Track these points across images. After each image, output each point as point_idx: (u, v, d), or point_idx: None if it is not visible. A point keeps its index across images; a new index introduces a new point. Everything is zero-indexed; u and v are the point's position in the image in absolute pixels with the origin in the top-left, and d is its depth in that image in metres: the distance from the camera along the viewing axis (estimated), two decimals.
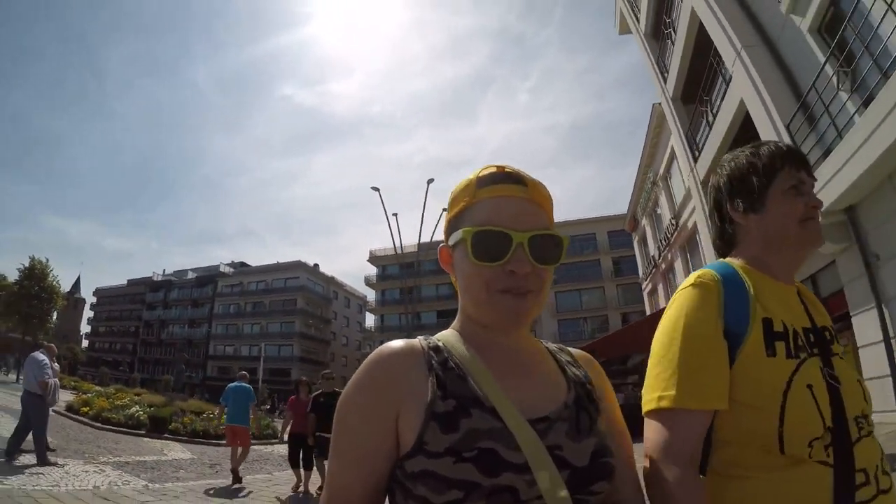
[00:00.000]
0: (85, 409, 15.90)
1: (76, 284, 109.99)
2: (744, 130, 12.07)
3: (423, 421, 0.85)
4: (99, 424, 14.72)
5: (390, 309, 61.42)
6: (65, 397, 22.52)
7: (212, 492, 8.00)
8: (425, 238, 31.17)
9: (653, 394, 1.16)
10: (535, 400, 0.92)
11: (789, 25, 10.50)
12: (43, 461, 8.12)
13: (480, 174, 1.01)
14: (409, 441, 0.85)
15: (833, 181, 8.42)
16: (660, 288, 25.27)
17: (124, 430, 14.33)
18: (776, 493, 1.06)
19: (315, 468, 8.76)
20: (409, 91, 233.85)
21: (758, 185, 1.33)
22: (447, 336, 1.02)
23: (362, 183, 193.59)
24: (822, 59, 9.02)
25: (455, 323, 1.06)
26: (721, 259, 1.39)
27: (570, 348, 1.16)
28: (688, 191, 17.46)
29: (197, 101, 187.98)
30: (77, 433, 12.60)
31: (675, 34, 16.08)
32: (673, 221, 20.51)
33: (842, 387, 1.14)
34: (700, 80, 14.68)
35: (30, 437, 8.36)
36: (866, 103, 7.76)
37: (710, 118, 14.14)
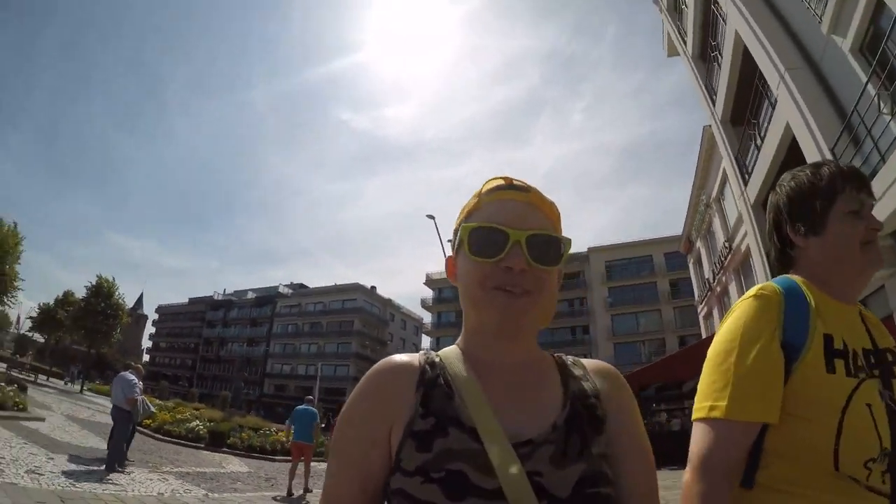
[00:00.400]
0: (148, 422, 16.66)
1: (139, 301, 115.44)
2: (791, 154, 11.84)
3: (401, 438, 0.86)
4: (160, 436, 15.64)
5: (446, 331, 61.71)
6: (106, 403, 23.77)
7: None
8: None
9: (704, 402, 1.16)
10: (522, 421, 0.89)
11: (831, 46, 10.35)
12: (111, 469, 8.75)
13: (487, 185, 1.03)
14: (394, 457, 0.86)
15: (878, 206, 8.26)
16: (715, 311, 24.71)
17: (184, 442, 15.14)
18: None
19: None
20: (463, 115, 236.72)
21: (818, 208, 1.32)
22: (448, 351, 1.01)
23: (416, 205, 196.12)
24: (864, 80, 8.85)
25: (459, 338, 1.05)
26: (783, 275, 1.38)
27: (586, 360, 1.09)
28: (740, 214, 17.25)
29: (254, 123, 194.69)
30: (140, 444, 13.31)
31: (721, 56, 15.98)
32: (726, 244, 20.16)
33: None
34: (747, 102, 14.55)
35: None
36: None
37: (759, 141, 13.94)
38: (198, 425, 16.47)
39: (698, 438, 1.13)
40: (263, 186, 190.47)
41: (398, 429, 0.87)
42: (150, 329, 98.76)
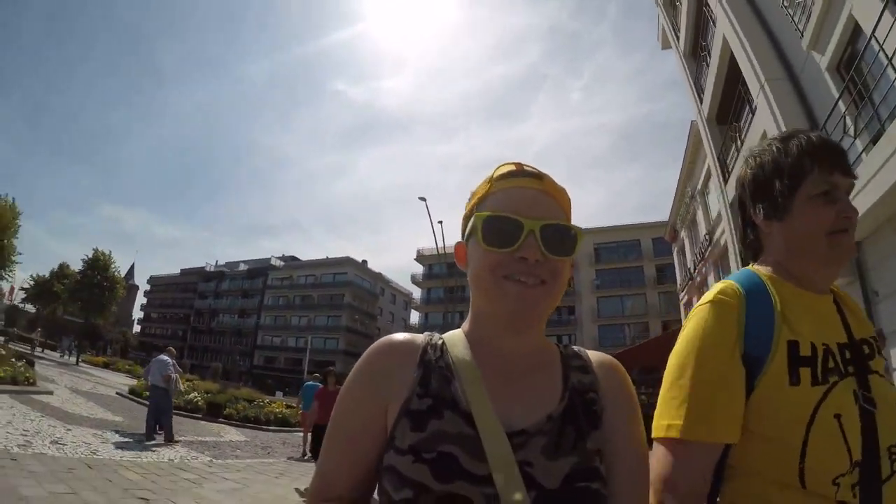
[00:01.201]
0: (147, 394, 17.36)
1: (130, 271, 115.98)
2: None
3: (397, 415, 0.86)
4: None
5: (435, 307, 62.33)
6: (121, 380, 24.39)
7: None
8: None
9: (662, 420, 1.10)
10: (518, 411, 0.88)
11: (810, 61, 10.87)
12: (170, 438, 10.36)
13: (498, 171, 1.00)
14: (388, 434, 0.86)
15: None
16: (694, 300, 25.52)
17: (184, 413, 15.73)
18: None
19: None
20: (459, 90, 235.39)
21: (781, 190, 1.21)
22: (452, 335, 1.00)
23: (409, 179, 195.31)
24: (836, 97, 9.40)
25: (465, 323, 1.04)
26: (748, 267, 1.30)
27: (591, 352, 1.06)
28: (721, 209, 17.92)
29: (250, 95, 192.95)
30: (141, 414, 14.07)
31: (710, 57, 16.46)
32: (707, 237, 20.87)
33: (878, 411, 1.03)
34: (732, 103, 15.13)
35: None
36: (874, 140, 8.13)
37: (739, 143, 14.56)
38: (196, 397, 17.15)
39: (659, 460, 1.07)
40: (257, 157, 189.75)
41: (395, 406, 0.87)
42: (141, 300, 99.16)
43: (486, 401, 0.86)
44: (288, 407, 19.31)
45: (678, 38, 20.65)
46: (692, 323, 1.15)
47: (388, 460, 0.83)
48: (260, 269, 79.48)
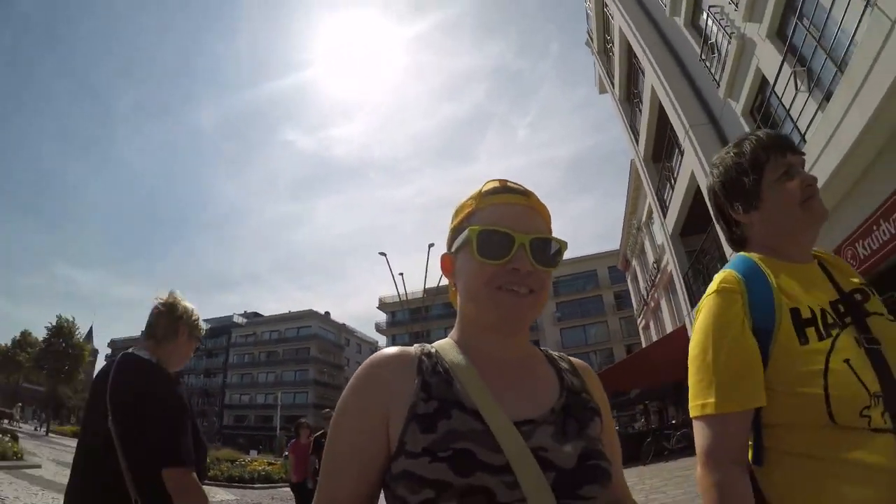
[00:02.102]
0: None
1: (89, 334, 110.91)
2: (697, 199, 13.91)
3: (404, 422, 0.86)
4: None
5: None
6: None
7: None
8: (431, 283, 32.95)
9: (696, 400, 1.19)
10: (521, 403, 0.92)
11: (728, 107, 12.36)
12: None
13: (485, 187, 1.05)
14: (395, 443, 0.86)
15: None
16: (651, 324, 26.84)
17: None
18: (844, 465, 1.07)
19: None
20: (410, 133, 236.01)
21: (750, 184, 1.35)
22: (442, 343, 1.03)
23: (366, 224, 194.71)
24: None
25: (452, 332, 1.06)
26: (740, 253, 1.41)
27: (571, 357, 1.15)
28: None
29: (201, 146, 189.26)
30: None
31: (642, 104, 18.03)
32: (655, 265, 22.19)
33: (884, 345, 1.14)
34: (664, 144, 16.56)
35: None
36: None
37: (673, 181, 16.00)
38: None
39: (700, 435, 1.17)
40: (213, 210, 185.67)
41: (399, 414, 0.88)
42: (101, 363, 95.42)
43: (489, 396, 0.89)
44: (269, 464, 19.60)
45: (613, 84, 22.31)
46: (703, 314, 1.26)
47: (400, 466, 0.84)
48: (222, 327, 78.10)
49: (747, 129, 11.13)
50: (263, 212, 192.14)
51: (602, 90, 25.34)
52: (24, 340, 43.69)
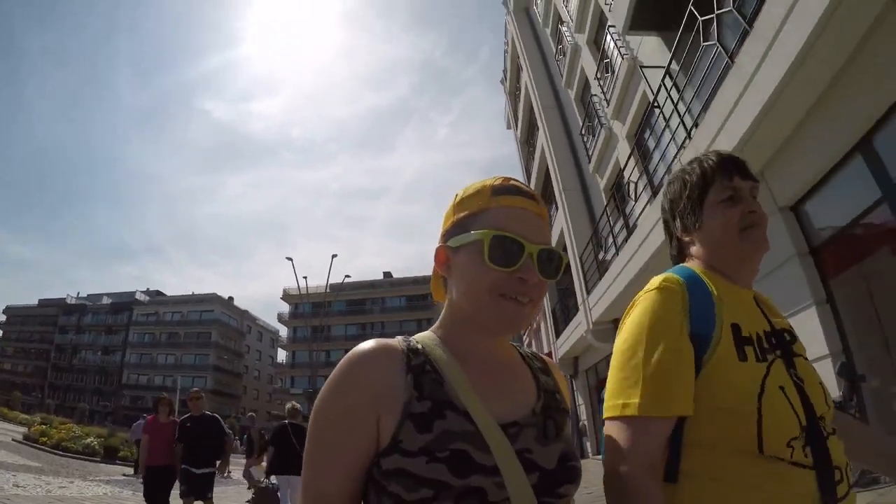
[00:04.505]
0: (44, 440, 18.40)
1: None
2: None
3: (399, 419, 0.86)
4: (61, 452, 17.25)
5: (301, 346, 63.10)
6: (9, 427, 23.97)
7: None
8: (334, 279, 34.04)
9: (616, 399, 1.13)
10: (506, 405, 0.94)
11: (595, 181, 14.89)
12: None
13: (495, 183, 1.02)
14: (386, 439, 0.86)
15: (603, 299, 12.51)
16: (534, 343, 29.31)
17: (82, 457, 16.91)
18: (762, 496, 1.04)
19: None
20: (331, 117, 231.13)
21: (693, 203, 1.33)
22: (426, 339, 1.01)
23: (276, 206, 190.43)
24: (605, 210, 12.80)
25: (436, 327, 1.06)
26: (681, 264, 1.37)
27: (540, 354, 1.17)
28: None
29: (115, 103, 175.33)
30: (50, 459, 15.44)
31: (535, 153, 20.46)
32: None
33: (806, 385, 1.15)
34: (549, 192, 18.98)
35: None
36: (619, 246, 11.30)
37: (551, 228, 18.44)
38: (92, 441, 18.24)
39: (615, 437, 1.10)
40: (117, 172, 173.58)
41: (393, 411, 0.87)
42: None
43: (476, 399, 0.90)
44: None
45: (517, 125, 24.81)
46: (639, 308, 1.19)
47: (394, 464, 0.83)
48: (124, 304, 75.66)
49: (604, 201, 13.54)
50: (170, 181, 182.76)
51: (509, 126, 27.89)
52: None
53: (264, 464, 8.77)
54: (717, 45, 6.68)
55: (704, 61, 7.25)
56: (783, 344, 1.21)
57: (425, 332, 1.05)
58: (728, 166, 1.32)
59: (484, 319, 0.96)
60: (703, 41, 6.99)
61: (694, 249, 1.36)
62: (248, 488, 12.26)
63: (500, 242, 0.93)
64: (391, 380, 0.90)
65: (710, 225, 1.30)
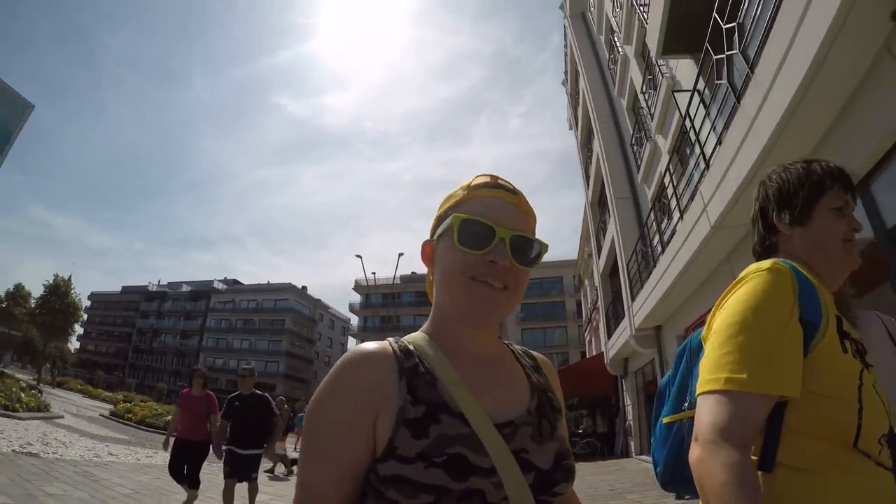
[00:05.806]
0: (129, 416, 20.69)
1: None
2: (612, 256, 16.78)
3: (394, 426, 0.85)
4: (145, 427, 19.50)
5: (370, 335, 63.62)
6: (76, 399, 26.34)
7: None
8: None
9: (718, 374, 1.08)
10: (501, 405, 0.94)
11: (643, 190, 15.36)
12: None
13: (476, 180, 1.04)
14: (382, 445, 0.85)
15: (644, 306, 12.99)
16: (593, 340, 29.98)
17: (164, 432, 18.49)
18: (854, 491, 1.03)
19: (201, 489, 7.12)
20: (403, 109, 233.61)
21: (806, 199, 1.32)
22: (417, 339, 1.01)
23: (351, 197, 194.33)
24: (655, 226, 13.05)
25: (426, 325, 1.06)
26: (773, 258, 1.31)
27: (532, 351, 1.17)
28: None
29: (190, 101, 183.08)
30: (136, 433, 17.40)
31: (592, 158, 20.88)
32: (595, 291, 25.14)
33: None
34: (605, 199, 19.37)
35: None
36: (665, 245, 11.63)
37: (603, 235, 19.04)
38: (171, 418, 19.99)
39: (712, 410, 1.06)
40: (194, 167, 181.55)
41: (387, 417, 0.86)
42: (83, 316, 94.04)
43: (471, 399, 0.89)
44: None
45: (577, 128, 25.12)
46: (749, 285, 1.17)
47: (391, 470, 0.82)
48: (203, 292, 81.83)
49: (652, 216, 13.45)
50: (247, 174, 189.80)
51: (570, 127, 28.22)
52: (17, 293, 46.55)
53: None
54: (727, 84, 6.88)
55: (724, 92, 7.26)
56: (861, 351, 1.20)
57: (417, 332, 1.05)
58: (846, 178, 1.33)
59: (458, 305, 0.96)
60: (717, 79, 7.24)
61: (791, 245, 1.34)
62: (275, 465, 13.53)
63: (470, 225, 0.95)
64: (386, 384, 0.90)
65: (817, 227, 1.30)
